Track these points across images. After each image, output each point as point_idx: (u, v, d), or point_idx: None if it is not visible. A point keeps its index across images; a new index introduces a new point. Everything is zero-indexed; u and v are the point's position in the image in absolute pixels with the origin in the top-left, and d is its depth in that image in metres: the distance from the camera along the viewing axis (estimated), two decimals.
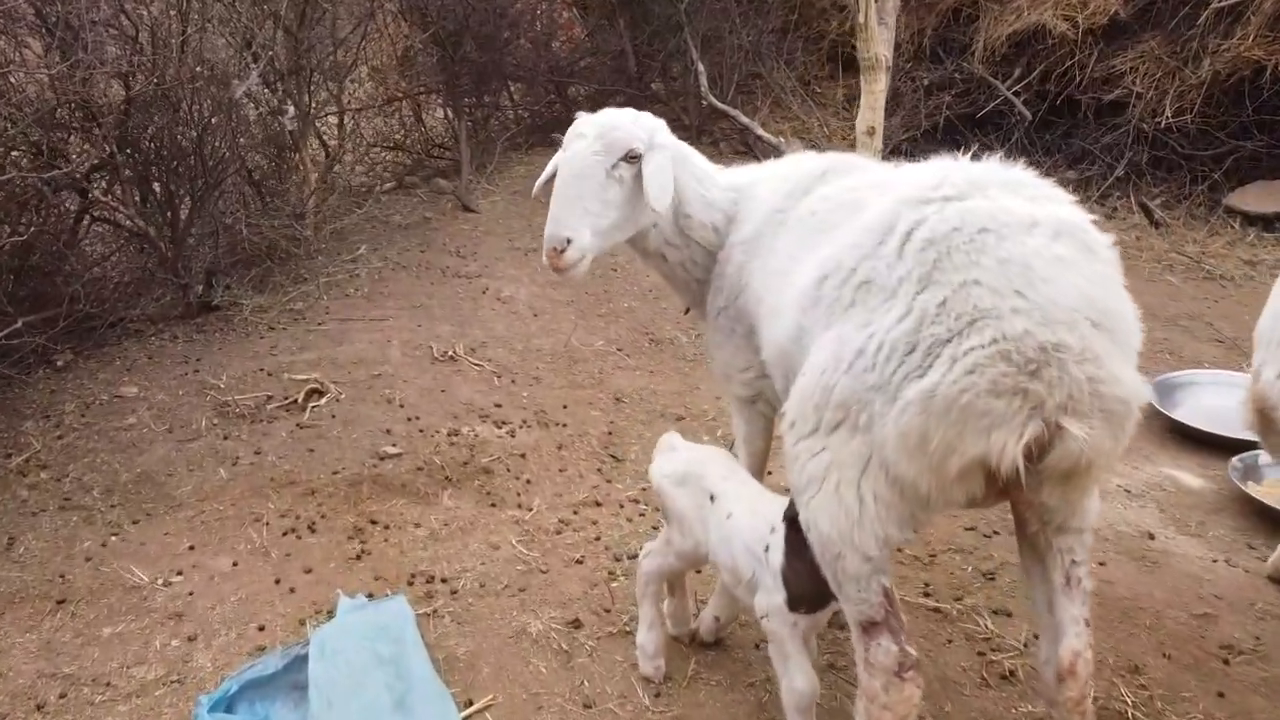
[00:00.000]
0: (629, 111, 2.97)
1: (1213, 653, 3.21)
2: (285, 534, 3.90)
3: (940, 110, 9.07)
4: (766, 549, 2.60)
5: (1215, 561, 3.72)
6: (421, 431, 4.76)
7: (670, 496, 2.97)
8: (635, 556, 3.71)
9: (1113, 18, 8.32)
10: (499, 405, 5.05)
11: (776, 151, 8.87)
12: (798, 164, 2.97)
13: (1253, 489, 4.12)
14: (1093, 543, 2.40)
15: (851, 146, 9.57)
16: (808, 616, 2.52)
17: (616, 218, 2.87)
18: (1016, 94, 8.81)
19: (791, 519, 2.42)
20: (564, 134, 2.95)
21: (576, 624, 3.34)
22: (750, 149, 9.12)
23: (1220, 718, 2.91)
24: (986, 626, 3.31)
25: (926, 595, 3.50)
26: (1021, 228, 2.03)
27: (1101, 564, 3.69)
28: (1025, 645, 3.21)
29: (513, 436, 4.74)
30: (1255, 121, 7.74)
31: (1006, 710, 2.94)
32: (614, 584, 3.58)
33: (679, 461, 3.00)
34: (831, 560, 2.24)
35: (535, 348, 5.79)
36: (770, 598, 2.55)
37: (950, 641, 3.25)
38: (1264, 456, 4.31)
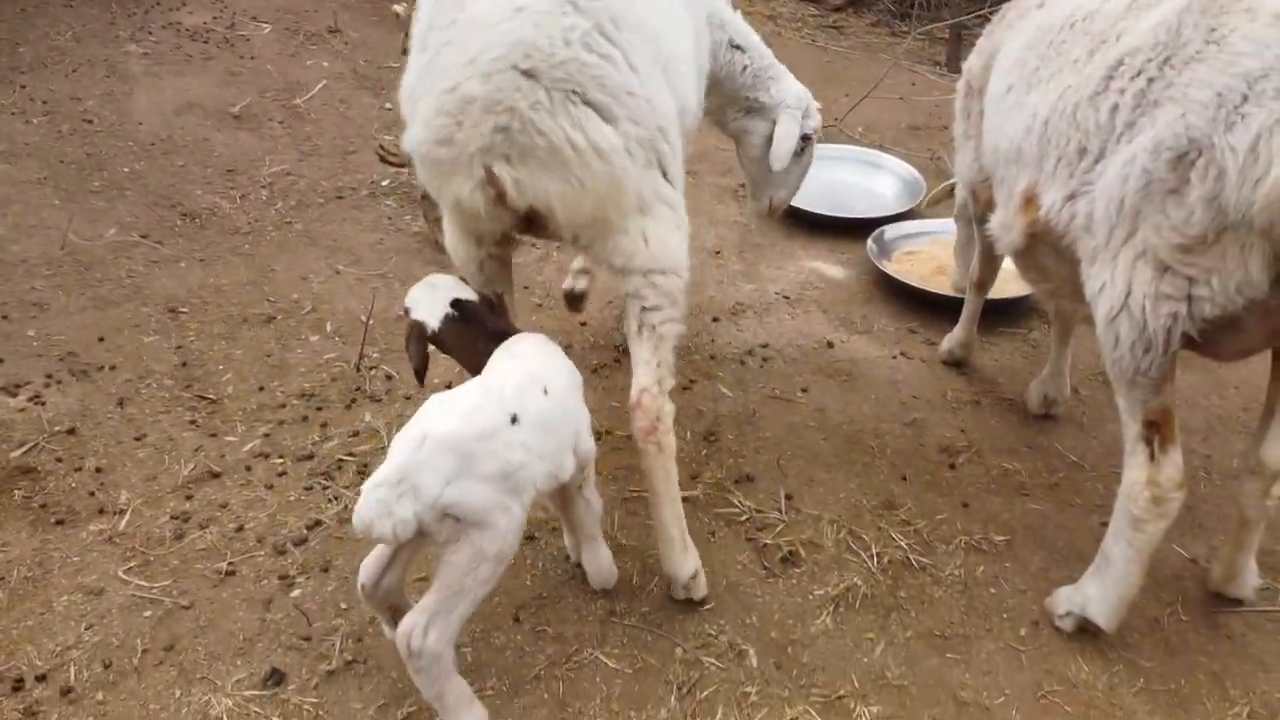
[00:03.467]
0: None
1: (937, 460, 3.22)
2: None
3: None
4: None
5: (895, 358, 3.74)
6: None
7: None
8: (305, 541, 2.81)
9: None
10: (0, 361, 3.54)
11: None
12: None
13: (888, 267, 4.20)
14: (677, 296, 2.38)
15: None
16: None
17: None
18: None
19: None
20: None
21: (277, 678, 2.40)
22: None
23: (974, 529, 2.92)
24: (740, 503, 2.99)
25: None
26: None
27: (805, 390, 3.54)
28: (785, 514, 2.95)
29: (42, 405, 3.34)
30: None
31: (805, 597, 2.67)
32: (295, 592, 2.65)
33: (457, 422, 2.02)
34: None
35: (18, 258, 4.14)
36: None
37: (713, 534, 2.88)
38: (891, 231, 4.40)
